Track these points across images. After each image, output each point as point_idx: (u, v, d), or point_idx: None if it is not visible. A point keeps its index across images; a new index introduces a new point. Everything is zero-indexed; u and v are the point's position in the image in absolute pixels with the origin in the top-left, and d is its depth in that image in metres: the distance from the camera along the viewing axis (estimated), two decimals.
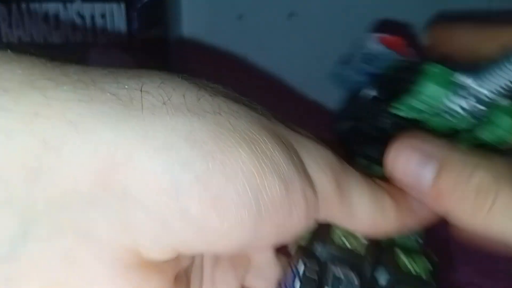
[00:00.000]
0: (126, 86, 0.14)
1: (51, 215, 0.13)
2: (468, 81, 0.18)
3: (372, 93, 0.22)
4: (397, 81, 0.20)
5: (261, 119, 0.16)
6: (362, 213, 0.17)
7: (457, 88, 0.18)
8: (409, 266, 0.20)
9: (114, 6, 0.37)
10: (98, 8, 0.38)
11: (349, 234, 0.19)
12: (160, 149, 0.13)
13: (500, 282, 0.41)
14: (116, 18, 0.38)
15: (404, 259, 0.20)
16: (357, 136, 0.22)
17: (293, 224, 0.16)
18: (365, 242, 0.19)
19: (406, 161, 0.17)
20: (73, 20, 0.38)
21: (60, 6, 0.37)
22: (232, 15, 0.40)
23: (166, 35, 0.38)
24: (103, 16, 0.38)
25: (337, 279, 0.19)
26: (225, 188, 0.14)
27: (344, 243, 0.20)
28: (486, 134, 0.19)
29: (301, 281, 0.18)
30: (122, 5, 0.37)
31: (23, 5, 0.37)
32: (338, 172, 0.17)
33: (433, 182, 0.17)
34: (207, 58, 0.42)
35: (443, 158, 0.17)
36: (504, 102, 0.18)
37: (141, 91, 0.14)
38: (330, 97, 0.45)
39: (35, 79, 0.13)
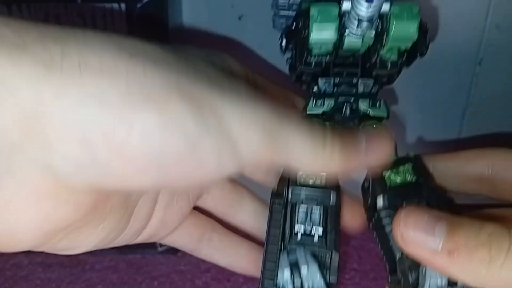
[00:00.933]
0: (51, 51, 0.16)
1: None
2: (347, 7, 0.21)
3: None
4: (299, 28, 0.23)
5: (181, 80, 0.17)
6: (300, 155, 0.19)
7: (343, 17, 0.21)
8: (393, 177, 0.23)
9: (114, 6, 0.37)
10: (98, 8, 0.38)
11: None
12: (73, 106, 0.16)
13: None
14: (116, 18, 0.38)
15: (387, 173, 0.23)
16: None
17: (204, 173, 0.18)
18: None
19: (416, 222, 0.18)
20: (73, 20, 0.38)
21: (60, 7, 0.38)
22: (232, 15, 0.40)
23: (166, 35, 0.38)
24: (103, 16, 0.38)
25: (304, 214, 0.23)
26: (127, 142, 0.16)
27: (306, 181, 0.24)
28: (392, 41, 0.22)
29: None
30: (122, 6, 0.37)
31: (24, 5, 0.37)
32: (269, 124, 0.18)
33: (445, 239, 0.18)
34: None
35: (451, 219, 0.18)
36: (386, 6, 0.21)
37: (61, 55, 0.16)
38: None
39: None
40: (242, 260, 0.28)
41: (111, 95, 0.16)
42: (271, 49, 0.41)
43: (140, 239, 0.25)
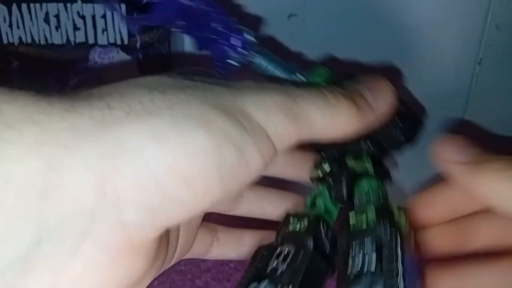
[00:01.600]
0: (97, 108, 0.17)
1: (63, 224, 0.16)
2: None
3: None
4: None
5: (208, 97, 0.19)
6: (321, 124, 0.21)
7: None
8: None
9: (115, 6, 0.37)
10: (98, 8, 0.38)
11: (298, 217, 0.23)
12: (134, 153, 0.17)
13: None
14: (116, 19, 0.38)
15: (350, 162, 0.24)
16: None
17: (252, 173, 0.19)
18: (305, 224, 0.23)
19: (453, 146, 0.22)
20: (73, 20, 0.38)
21: (60, 7, 0.38)
22: (232, 15, 0.40)
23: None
24: (103, 16, 0.38)
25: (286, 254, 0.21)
26: (192, 168, 0.17)
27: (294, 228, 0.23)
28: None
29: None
30: (123, 6, 0.37)
31: (24, 6, 0.37)
32: (286, 106, 0.20)
33: (475, 163, 0.21)
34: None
35: (483, 151, 0.21)
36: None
37: (108, 108, 0.17)
38: None
39: (31, 114, 0.17)
40: (249, 247, 0.29)
41: (163, 130, 0.17)
42: (270, 48, 0.41)
43: (170, 264, 0.25)
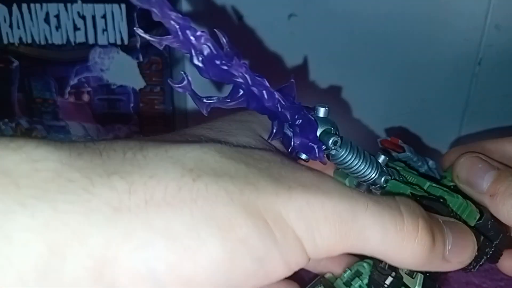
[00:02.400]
0: (117, 191, 0.16)
1: None
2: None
3: None
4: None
5: (244, 198, 0.17)
6: (379, 247, 0.18)
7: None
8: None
9: (115, 6, 0.38)
10: (98, 8, 0.38)
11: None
12: (139, 247, 0.16)
13: (500, 282, 0.41)
14: (117, 19, 0.38)
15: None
16: None
17: (271, 281, 0.17)
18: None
19: (472, 167, 0.22)
20: (73, 20, 0.38)
21: (61, 7, 0.38)
22: (232, 15, 0.40)
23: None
24: (103, 16, 0.38)
25: None
26: (195, 274, 0.16)
27: None
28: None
29: None
30: (123, 6, 0.37)
31: (24, 6, 0.37)
32: (338, 218, 0.17)
33: (490, 185, 0.22)
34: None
35: (501, 169, 0.22)
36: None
37: (129, 193, 0.16)
38: (329, 96, 0.45)
39: (47, 193, 0.16)
40: None
41: (177, 228, 0.16)
42: (271, 49, 0.41)
43: None
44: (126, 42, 0.39)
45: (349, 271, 0.24)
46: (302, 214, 0.17)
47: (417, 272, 0.21)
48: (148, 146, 0.18)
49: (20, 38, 0.39)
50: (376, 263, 0.22)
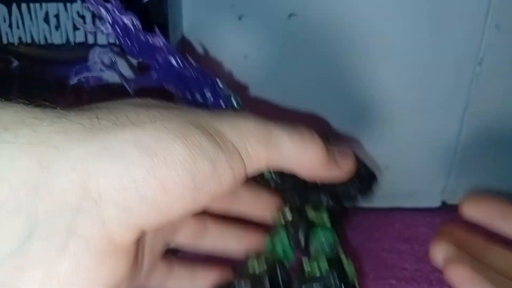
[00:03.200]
0: (87, 117, 0.20)
1: (49, 220, 0.18)
2: None
3: None
4: None
5: (189, 117, 0.21)
6: (290, 152, 0.23)
7: None
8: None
9: None
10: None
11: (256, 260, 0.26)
12: (118, 157, 0.19)
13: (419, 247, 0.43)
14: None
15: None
16: None
17: (223, 187, 0.21)
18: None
19: (483, 209, 0.26)
20: (73, 20, 0.38)
21: (60, 7, 0.38)
22: (232, 15, 0.40)
23: (166, 35, 0.38)
24: None
25: None
26: (169, 175, 0.19)
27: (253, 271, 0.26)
28: None
29: None
30: (123, 6, 0.37)
31: (24, 5, 0.37)
32: (259, 132, 0.22)
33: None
34: (207, 58, 0.42)
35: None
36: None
37: (97, 118, 0.19)
38: (329, 97, 0.45)
39: (25, 119, 0.19)
40: (204, 284, 0.31)
41: (145, 139, 0.19)
42: (270, 49, 0.41)
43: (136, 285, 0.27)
44: None
45: (268, 240, 0.28)
46: (233, 129, 0.22)
47: (322, 206, 0.27)
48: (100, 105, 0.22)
49: (20, 38, 0.39)
50: (288, 223, 0.27)
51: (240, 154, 0.22)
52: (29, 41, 0.39)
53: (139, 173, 0.19)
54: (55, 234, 0.17)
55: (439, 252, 0.30)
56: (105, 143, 0.19)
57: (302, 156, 0.24)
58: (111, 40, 0.38)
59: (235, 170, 0.21)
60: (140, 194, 0.19)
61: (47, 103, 0.20)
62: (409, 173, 0.47)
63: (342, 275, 0.24)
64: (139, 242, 0.23)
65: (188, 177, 0.20)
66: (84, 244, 0.18)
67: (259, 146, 0.22)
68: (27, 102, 0.20)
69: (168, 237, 0.28)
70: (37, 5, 0.37)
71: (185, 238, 0.30)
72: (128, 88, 0.25)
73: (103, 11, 0.24)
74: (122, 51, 0.39)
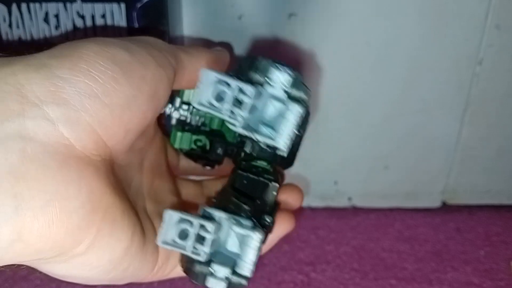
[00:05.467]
0: (39, 60, 0.21)
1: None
2: None
3: None
4: None
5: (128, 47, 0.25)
6: (198, 59, 0.29)
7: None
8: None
9: (114, 6, 0.37)
10: (98, 8, 0.38)
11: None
12: (42, 66, 0.21)
13: (500, 282, 0.41)
14: (116, 19, 0.38)
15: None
16: None
17: (166, 76, 0.25)
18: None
19: None
20: (73, 20, 0.38)
21: (60, 6, 0.37)
22: (232, 15, 0.40)
23: (166, 35, 0.38)
24: (103, 16, 0.38)
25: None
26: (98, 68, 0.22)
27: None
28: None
29: None
30: (122, 6, 0.37)
31: (24, 5, 0.37)
32: (182, 50, 0.29)
33: None
34: None
35: None
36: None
37: (52, 65, 0.21)
38: (329, 97, 0.45)
39: None
40: None
41: (75, 48, 0.23)
42: (271, 48, 0.41)
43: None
44: None
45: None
46: (160, 50, 0.27)
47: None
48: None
49: (20, 38, 0.39)
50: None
51: (169, 59, 0.26)
52: (29, 40, 0.39)
53: (65, 73, 0.20)
54: (9, 140, 0.18)
55: None
56: (36, 60, 0.21)
57: (192, 62, 0.29)
58: None
59: (171, 66, 0.26)
60: (76, 90, 0.20)
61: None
62: (409, 173, 0.47)
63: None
64: (120, 170, 0.26)
65: (127, 70, 0.23)
66: (41, 148, 0.19)
67: (185, 57, 0.28)
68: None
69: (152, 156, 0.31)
70: (37, 5, 0.37)
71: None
72: None
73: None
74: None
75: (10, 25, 0.38)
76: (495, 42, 0.41)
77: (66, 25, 0.38)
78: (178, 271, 0.29)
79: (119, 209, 0.22)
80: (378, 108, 0.44)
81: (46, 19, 0.38)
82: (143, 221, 0.26)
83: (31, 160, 0.18)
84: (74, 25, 0.38)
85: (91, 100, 0.20)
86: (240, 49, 0.41)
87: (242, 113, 0.24)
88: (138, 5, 0.37)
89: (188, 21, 0.41)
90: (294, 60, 0.42)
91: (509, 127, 0.45)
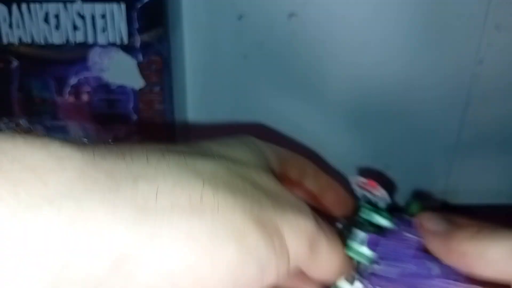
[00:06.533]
0: (143, 194, 0.17)
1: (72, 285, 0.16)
2: None
3: None
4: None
5: (253, 211, 0.20)
6: (324, 264, 0.23)
7: None
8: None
9: (114, 6, 0.37)
10: (98, 8, 0.38)
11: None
12: (163, 247, 0.17)
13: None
14: (116, 19, 0.38)
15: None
16: None
17: (264, 285, 0.20)
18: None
19: (434, 221, 0.24)
20: (73, 20, 0.38)
21: (60, 7, 0.38)
22: (232, 15, 0.40)
23: (165, 35, 0.38)
24: (103, 16, 0.38)
25: None
26: (210, 275, 0.18)
27: None
28: None
29: None
30: (122, 6, 0.37)
31: (24, 5, 0.37)
32: (311, 237, 0.22)
33: (448, 233, 0.23)
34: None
35: (456, 223, 0.24)
36: None
37: (155, 199, 0.17)
38: (329, 97, 0.45)
39: (74, 191, 0.16)
40: None
41: (199, 232, 0.18)
42: (270, 48, 0.41)
43: None
44: (126, 42, 0.39)
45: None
46: (293, 231, 0.21)
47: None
48: (169, 154, 0.19)
49: (20, 38, 0.39)
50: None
51: (289, 255, 0.21)
52: (29, 41, 0.39)
53: (180, 266, 0.18)
54: None
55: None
56: (156, 228, 0.17)
57: (330, 272, 0.24)
58: (111, 41, 0.38)
59: (280, 272, 0.20)
60: (176, 287, 0.18)
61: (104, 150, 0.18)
62: (409, 173, 0.47)
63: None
64: None
65: (230, 280, 0.19)
66: None
67: (307, 249, 0.21)
68: (81, 160, 0.17)
69: None
70: (37, 5, 0.37)
71: None
72: None
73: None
74: (122, 51, 0.39)
75: (10, 25, 0.38)
76: (495, 42, 0.41)
77: (66, 25, 0.38)
78: None
79: None
80: (378, 108, 0.44)
81: (46, 19, 0.38)
82: None
83: None
84: (74, 25, 0.38)
85: None
86: (240, 49, 0.41)
87: None
88: (138, 5, 0.37)
89: (188, 21, 0.41)
90: (294, 59, 0.42)
91: (509, 127, 0.45)
